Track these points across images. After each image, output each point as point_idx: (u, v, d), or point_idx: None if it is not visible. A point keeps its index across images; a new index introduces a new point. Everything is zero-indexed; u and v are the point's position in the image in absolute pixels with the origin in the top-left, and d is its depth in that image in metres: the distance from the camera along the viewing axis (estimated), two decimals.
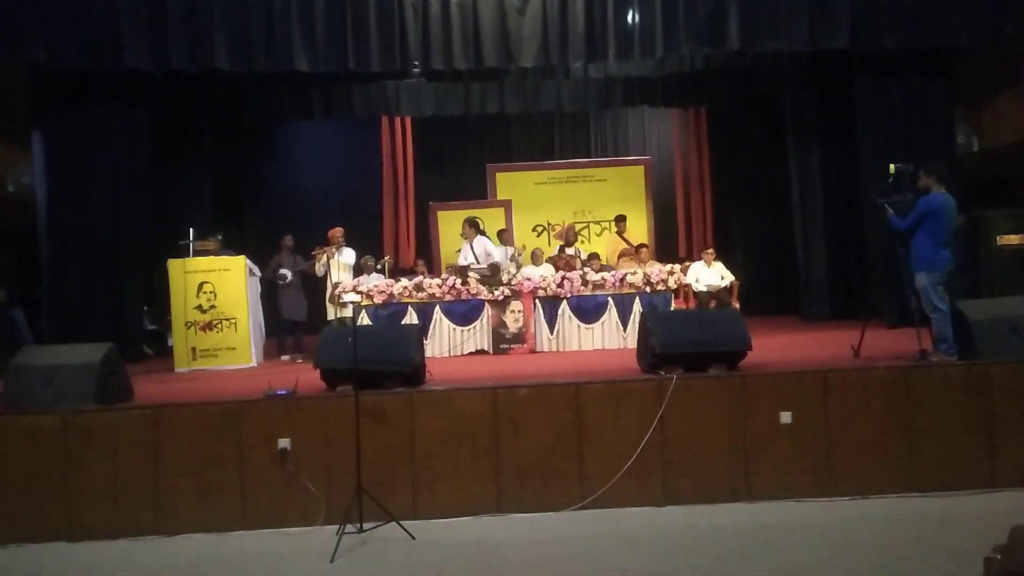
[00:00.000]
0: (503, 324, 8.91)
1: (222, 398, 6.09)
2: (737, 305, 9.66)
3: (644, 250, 10.29)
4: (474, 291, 8.92)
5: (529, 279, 9.02)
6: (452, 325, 8.93)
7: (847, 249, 10.71)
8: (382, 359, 5.92)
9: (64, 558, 5.33)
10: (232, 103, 11.66)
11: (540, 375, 6.63)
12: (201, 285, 8.71)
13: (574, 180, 12.71)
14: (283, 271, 9.40)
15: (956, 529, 5.02)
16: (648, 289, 8.93)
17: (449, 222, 11.52)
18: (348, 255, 9.44)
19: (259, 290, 9.25)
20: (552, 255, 10.55)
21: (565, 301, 8.95)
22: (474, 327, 8.94)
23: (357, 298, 8.70)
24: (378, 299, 8.90)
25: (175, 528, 5.59)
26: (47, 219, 9.11)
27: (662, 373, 5.92)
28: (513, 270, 9.54)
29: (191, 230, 9.01)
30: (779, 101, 11.60)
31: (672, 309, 8.91)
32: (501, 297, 8.88)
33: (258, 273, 9.23)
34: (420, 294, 8.94)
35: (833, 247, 10.86)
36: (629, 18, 8.78)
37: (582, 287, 8.96)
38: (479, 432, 5.75)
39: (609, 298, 8.95)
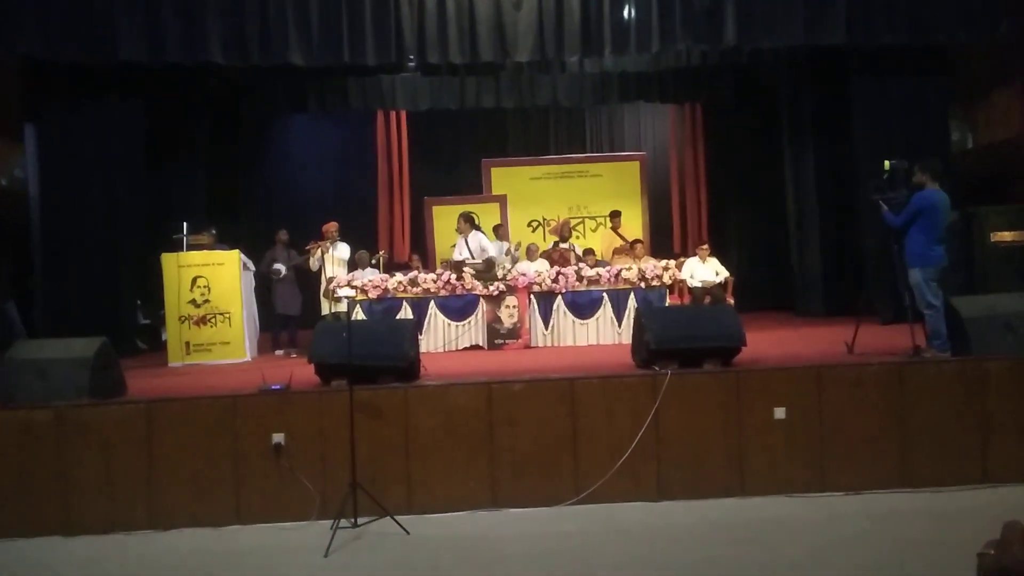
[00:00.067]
0: (498, 319, 8.90)
1: (216, 393, 6.07)
2: (732, 301, 9.69)
3: (639, 246, 10.30)
4: (469, 286, 8.92)
5: (524, 274, 9.02)
6: (447, 320, 8.93)
7: (842, 245, 10.74)
8: (377, 354, 5.92)
9: (58, 552, 5.31)
10: (227, 97, 11.63)
11: (535, 370, 6.63)
12: (195, 279, 8.69)
13: (569, 175, 12.70)
14: (277, 266, 9.37)
15: (949, 524, 5.04)
16: (643, 285, 8.93)
17: (444, 217, 11.50)
18: (343, 250, 9.43)
19: (253, 284, 9.23)
20: (547, 249, 10.56)
21: (560, 296, 8.95)
22: (469, 322, 8.94)
23: (352, 293, 8.68)
24: (372, 294, 8.89)
25: (169, 523, 5.59)
26: (40, 213, 9.08)
27: (657, 368, 5.92)
28: (508, 265, 9.53)
29: (185, 224, 8.98)
30: (775, 97, 11.62)
31: (667, 305, 8.92)
32: (496, 292, 8.88)
33: (252, 267, 9.21)
34: (415, 289, 8.94)
35: (828, 243, 10.88)
36: (625, 13, 8.77)
37: (577, 283, 8.96)
38: (474, 427, 5.75)
39: (604, 294, 8.96)
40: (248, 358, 8.72)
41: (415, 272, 9.31)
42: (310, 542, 5.12)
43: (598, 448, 5.73)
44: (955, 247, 7.67)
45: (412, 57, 9.07)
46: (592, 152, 13.39)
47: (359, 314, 8.66)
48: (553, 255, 10.21)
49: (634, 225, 11.91)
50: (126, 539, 5.48)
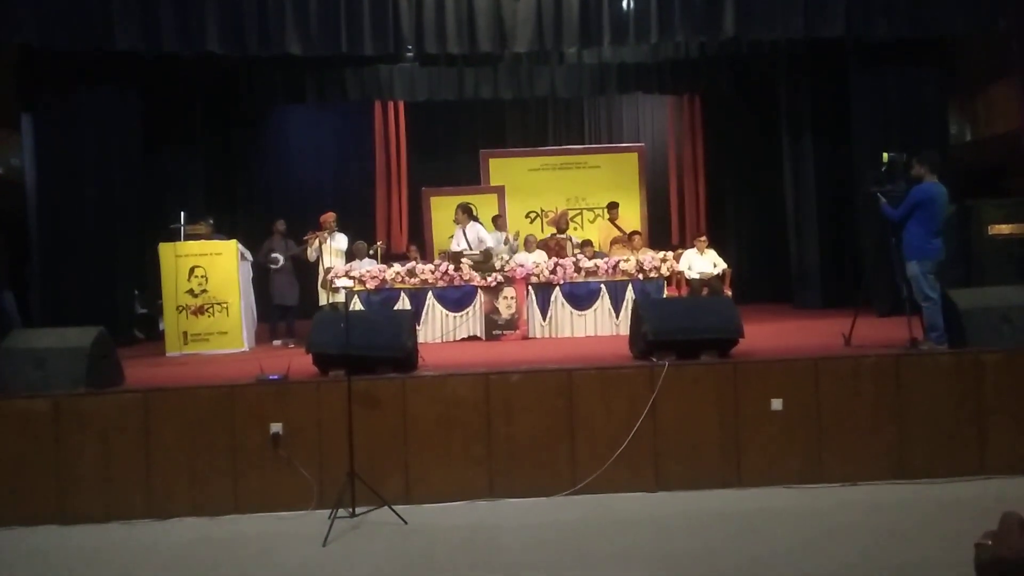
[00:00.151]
0: (496, 310, 8.90)
1: (214, 382, 6.06)
2: (729, 292, 9.69)
3: (637, 237, 10.29)
4: (467, 277, 8.91)
5: (522, 265, 9.02)
6: (445, 311, 8.92)
7: (839, 237, 10.74)
8: (374, 344, 5.92)
9: (56, 542, 5.32)
10: (225, 87, 11.59)
11: (533, 361, 6.63)
12: (192, 269, 8.67)
13: (567, 167, 12.69)
14: (275, 255, 9.36)
15: (946, 515, 5.06)
16: (641, 276, 8.93)
17: (442, 208, 11.49)
18: (340, 240, 9.42)
19: (251, 275, 9.22)
20: (544, 238, 10.57)
21: (558, 288, 8.95)
22: (467, 313, 8.93)
23: (349, 283, 8.68)
24: (370, 284, 8.88)
25: (167, 512, 5.59)
26: (37, 202, 9.06)
27: (654, 360, 5.93)
28: (507, 255, 9.52)
29: (182, 214, 8.95)
30: (774, 89, 11.60)
31: (664, 296, 8.92)
32: (494, 283, 8.87)
33: (250, 258, 9.19)
34: (412, 280, 8.93)
35: (825, 235, 10.88)
36: (624, 3, 8.77)
37: (575, 274, 8.96)
38: (471, 417, 5.76)
39: (602, 285, 8.95)
40: (246, 348, 8.71)
41: (413, 263, 9.30)
42: (308, 531, 5.13)
43: (595, 439, 5.74)
44: (953, 240, 7.68)
45: (410, 47, 9.04)
46: (590, 143, 13.37)
47: (357, 304, 8.65)
48: (550, 243, 10.22)
49: (632, 216, 11.91)
50: (124, 528, 5.48)
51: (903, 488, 5.62)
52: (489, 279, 8.87)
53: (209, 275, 8.68)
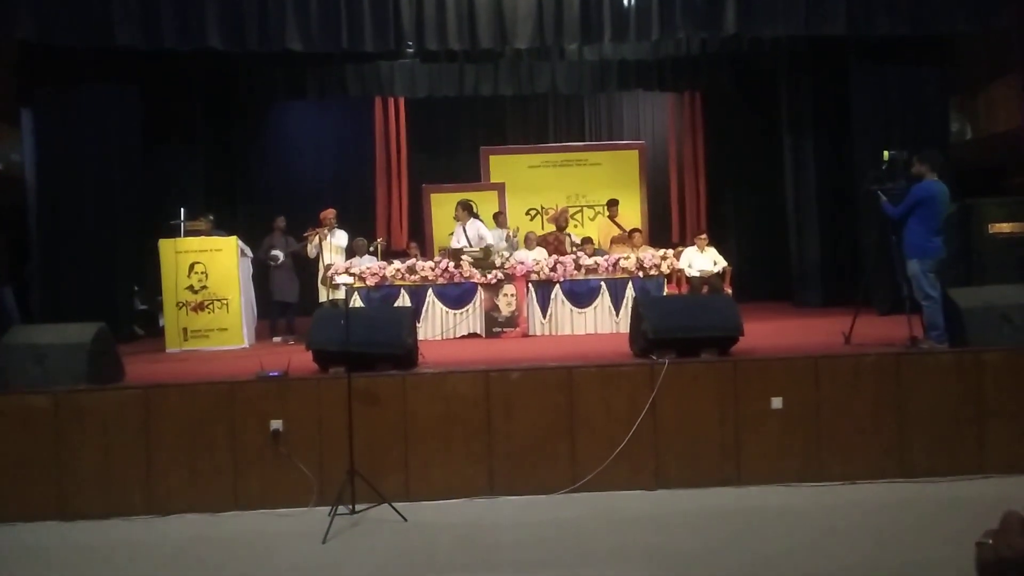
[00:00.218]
0: (496, 308, 8.90)
1: (214, 379, 6.06)
2: (729, 291, 9.68)
3: (637, 235, 10.28)
4: (467, 274, 8.91)
5: (522, 263, 9.02)
6: (445, 308, 8.92)
7: (840, 236, 10.73)
8: (375, 341, 5.92)
9: (56, 538, 5.32)
10: (225, 83, 11.56)
11: (533, 359, 6.63)
12: (192, 265, 8.67)
13: (568, 164, 12.67)
14: (275, 252, 9.36)
15: (947, 514, 5.06)
16: (641, 274, 8.93)
17: (442, 204, 11.47)
18: (340, 237, 9.41)
19: (251, 271, 9.22)
20: (543, 234, 10.56)
21: (558, 285, 8.94)
22: (467, 310, 8.93)
23: (349, 280, 8.67)
24: (370, 281, 8.87)
25: (167, 508, 5.59)
26: (37, 198, 9.05)
27: (654, 358, 5.93)
28: (507, 253, 9.51)
29: (182, 210, 8.95)
30: (775, 86, 11.58)
31: (665, 294, 8.92)
32: (494, 280, 8.87)
33: (250, 254, 9.19)
34: (413, 277, 8.92)
35: (826, 233, 10.87)
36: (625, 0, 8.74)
37: (575, 271, 8.96)
38: (471, 415, 5.76)
39: (602, 282, 8.95)
40: (246, 344, 8.71)
41: (413, 260, 9.30)
42: (308, 528, 5.13)
43: (595, 436, 5.74)
44: (954, 239, 7.68)
45: (410, 43, 9.02)
46: (591, 140, 13.33)
47: (357, 301, 8.64)
48: (549, 238, 10.21)
49: (632, 214, 11.89)
50: (124, 524, 5.48)
51: (903, 487, 5.62)
52: (489, 276, 8.86)
53: (209, 271, 8.67)
